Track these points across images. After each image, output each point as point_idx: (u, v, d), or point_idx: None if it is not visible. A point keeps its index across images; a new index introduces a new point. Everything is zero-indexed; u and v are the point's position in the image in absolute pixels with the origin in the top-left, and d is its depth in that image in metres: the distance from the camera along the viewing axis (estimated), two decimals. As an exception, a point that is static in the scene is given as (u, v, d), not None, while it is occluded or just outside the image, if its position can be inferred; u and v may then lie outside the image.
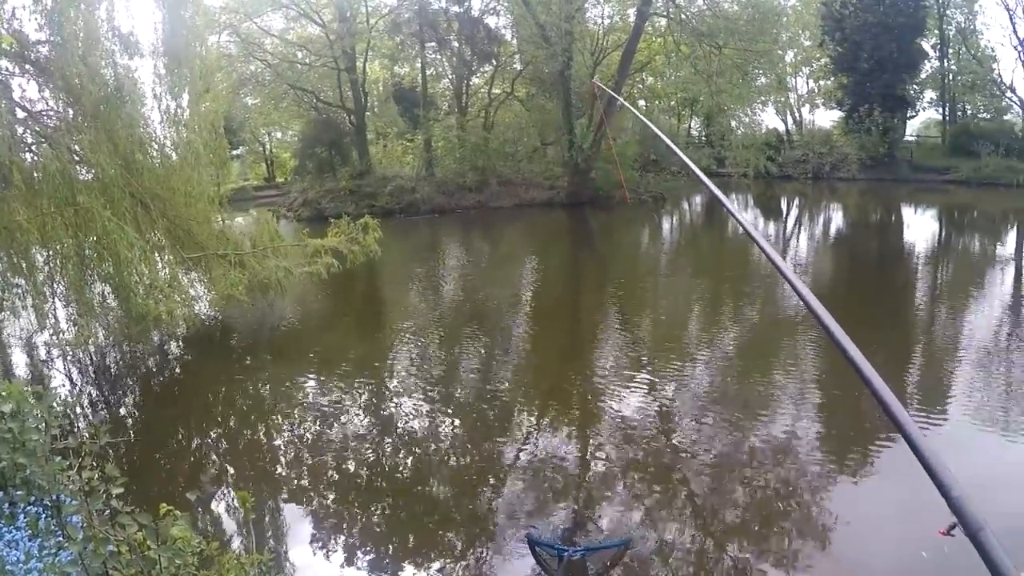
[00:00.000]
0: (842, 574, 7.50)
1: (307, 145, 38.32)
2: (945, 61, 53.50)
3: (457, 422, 11.51)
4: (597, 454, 10.17)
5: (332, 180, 35.16)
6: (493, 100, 42.48)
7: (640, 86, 44.98)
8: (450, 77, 43.59)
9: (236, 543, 7.76)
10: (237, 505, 8.23)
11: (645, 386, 12.96)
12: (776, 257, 2.39)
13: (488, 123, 41.43)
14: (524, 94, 43.00)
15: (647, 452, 10.27)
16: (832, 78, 52.86)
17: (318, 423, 11.37)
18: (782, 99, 56.82)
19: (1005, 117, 52.29)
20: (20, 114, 12.39)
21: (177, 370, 14.70)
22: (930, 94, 55.33)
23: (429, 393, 12.69)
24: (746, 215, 42.14)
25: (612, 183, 37.98)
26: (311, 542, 8.12)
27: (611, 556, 7.41)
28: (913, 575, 7.34)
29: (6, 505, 4.24)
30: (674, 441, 10.69)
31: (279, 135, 46.65)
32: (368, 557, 7.79)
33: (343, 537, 8.21)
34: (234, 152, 43.54)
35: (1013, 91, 51.53)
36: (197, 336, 15.66)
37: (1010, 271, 23.84)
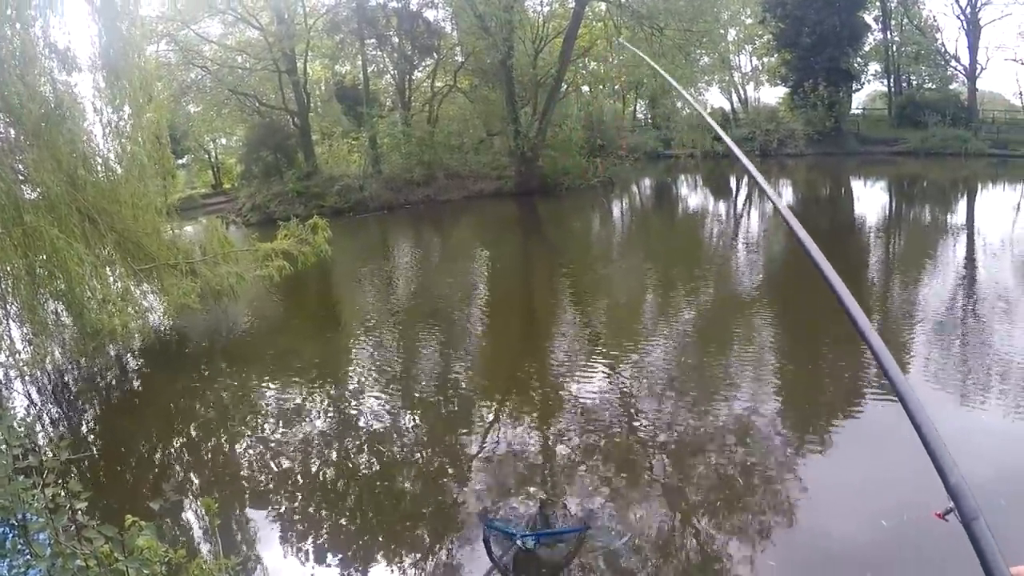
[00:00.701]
0: (806, 547, 7.76)
1: (252, 149, 38.07)
2: (888, 33, 54.52)
3: (418, 417, 11.65)
4: (558, 440, 10.32)
5: (279, 183, 34.97)
6: (436, 94, 42.47)
7: (583, 71, 45.05)
8: (392, 73, 43.48)
9: (205, 550, 7.80)
10: (203, 512, 8.34)
11: (603, 371, 13.18)
12: (811, 245, 2.42)
13: (432, 117, 41.44)
14: (467, 86, 43.08)
15: (608, 436, 10.45)
16: (775, 55, 53.62)
17: (280, 426, 11.44)
18: (726, 78, 57.45)
19: (951, 87, 53.25)
20: (-40, 137, 12.37)
21: (136, 383, 14.70)
22: (875, 66, 56.30)
23: (388, 390, 12.81)
24: (698, 195, 42.72)
25: (559, 170, 38.22)
26: (280, 544, 8.20)
27: (569, 544, 7.49)
28: (874, 544, 7.58)
29: (-29, 530, 4.27)
30: (635, 424, 10.89)
31: (224, 141, 46.20)
32: (337, 555, 7.89)
33: (311, 538, 8.30)
34: (180, 161, 43.08)
35: (957, 60, 52.60)
36: (153, 347, 15.70)
37: (961, 240, 24.39)
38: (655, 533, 7.93)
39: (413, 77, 42.60)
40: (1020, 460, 9.09)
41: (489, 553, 7.23)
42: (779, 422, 10.75)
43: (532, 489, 8.90)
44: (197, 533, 8.50)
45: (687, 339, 15.07)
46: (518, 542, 7.13)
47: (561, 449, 10.09)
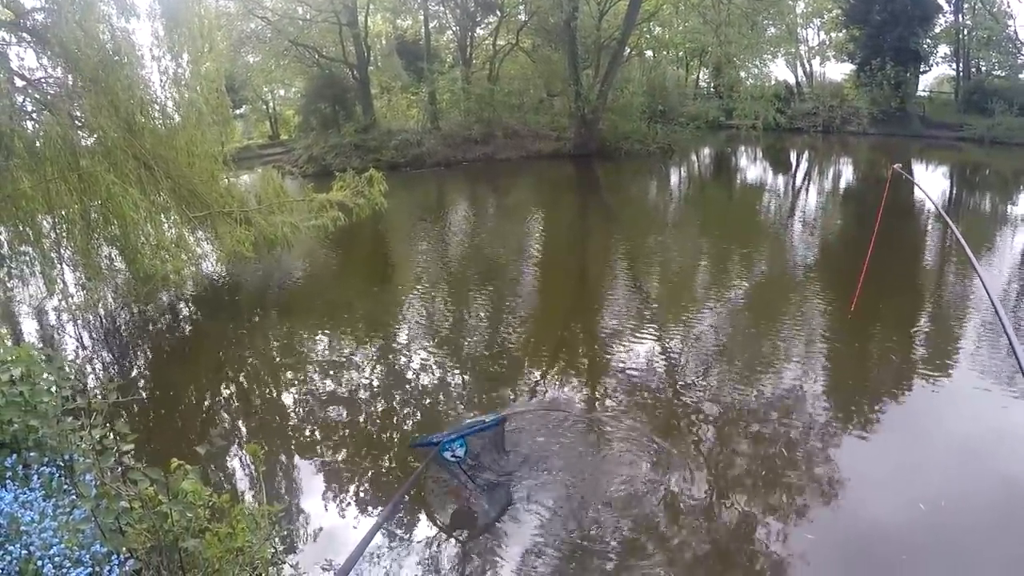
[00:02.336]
0: (843, 524, 7.61)
1: (310, 101, 38.10)
2: (960, 16, 52.64)
3: (466, 375, 11.63)
4: (603, 405, 10.26)
5: (337, 136, 34.96)
6: (498, 52, 42.01)
7: (648, 36, 44.39)
8: (454, 29, 43.23)
9: (248, 496, 7.87)
10: (248, 459, 8.33)
11: (652, 338, 13.05)
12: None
13: (493, 75, 41.06)
14: (529, 45, 42.61)
15: (654, 404, 10.36)
16: (844, 30, 52.10)
17: (327, 378, 11.47)
18: (792, 51, 56.09)
19: (1020, 75, 51.62)
20: (19, 83, 12.40)
21: (187, 329, 14.78)
22: (944, 49, 54.53)
23: (437, 346, 12.80)
24: (757, 167, 42.11)
25: (619, 134, 37.76)
26: (322, 494, 8.22)
27: (491, 438, 7.93)
28: (911, 526, 7.44)
29: (20, 467, 4.28)
30: (680, 391, 10.80)
31: (282, 92, 46.24)
32: (379, 508, 7.86)
33: (353, 488, 8.33)
34: (237, 111, 43.20)
35: None
36: (205, 295, 15.86)
37: (1021, 231, 23.76)
38: (696, 502, 7.83)
39: (475, 34, 42.35)
40: None
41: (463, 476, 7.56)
42: (824, 400, 10.63)
43: (575, 453, 8.83)
44: (241, 479, 8.55)
45: (737, 311, 14.89)
46: (446, 453, 7.40)
47: (604, 412, 9.99)
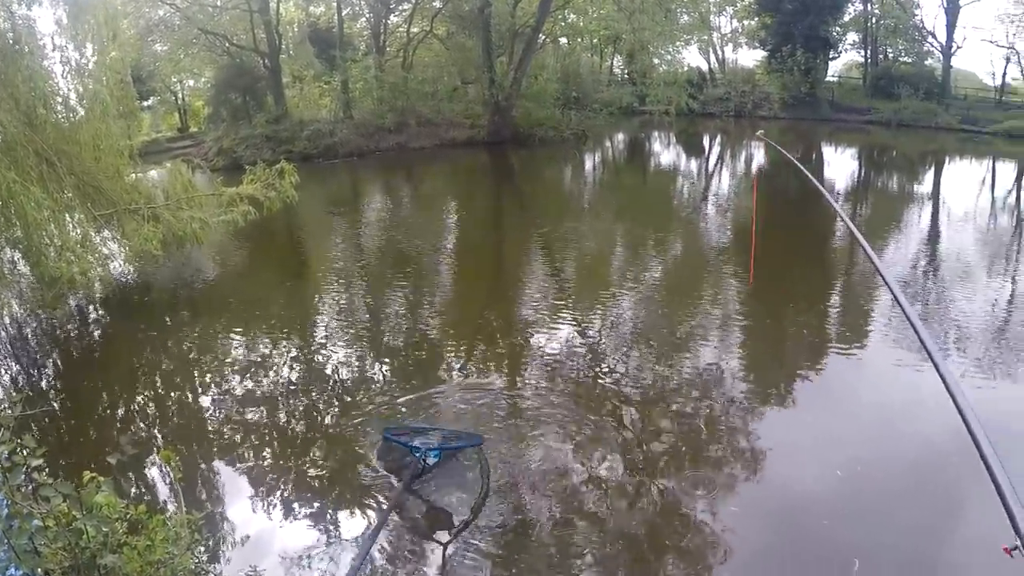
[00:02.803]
0: (766, 497, 7.90)
1: (220, 91, 37.38)
2: (868, 4, 55.00)
3: (386, 367, 11.61)
4: (525, 392, 10.38)
5: (247, 127, 34.37)
6: (412, 39, 41.81)
7: (562, 23, 44.62)
8: (367, 16, 42.84)
9: (170, 506, 7.63)
10: (165, 467, 8.16)
11: (570, 322, 13.28)
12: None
13: (407, 63, 40.82)
14: (444, 32, 42.49)
15: (575, 388, 10.56)
16: (756, 18, 53.68)
17: (245, 378, 11.27)
18: (705, 38, 57.33)
19: (926, 62, 53.80)
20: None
21: (96, 334, 14.35)
22: (852, 37, 56.87)
23: (355, 339, 12.78)
24: (670, 152, 42.70)
25: (533, 121, 37.96)
26: (247, 498, 8.08)
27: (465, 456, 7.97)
28: (829, 493, 7.82)
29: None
30: (600, 375, 11.01)
31: (191, 83, 45.20)
32: (306, 507, 7.81)
33: (279, 490, 8.20)
34: (145, 103, 42.22)
35: (934, 37, 53.09)
36: (115, 297, 15.31)
37: (927, 209, 24.61)
38: (620, 482, 8.01)
39: (389, 21, 41.96)
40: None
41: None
42: (741, 375, 11.06)
43: (499, 440, 8.88)
44: (159, 488, 8.33)
45: (653, 293, 15.24)
46: (420, 454, 7.44)
47: (527, 400, 10.12)
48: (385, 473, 8.07)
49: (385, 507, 7.37)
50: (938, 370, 1.85)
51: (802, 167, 4.55)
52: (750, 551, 7.03)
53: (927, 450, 8.71)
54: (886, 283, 1.89)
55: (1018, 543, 1.58)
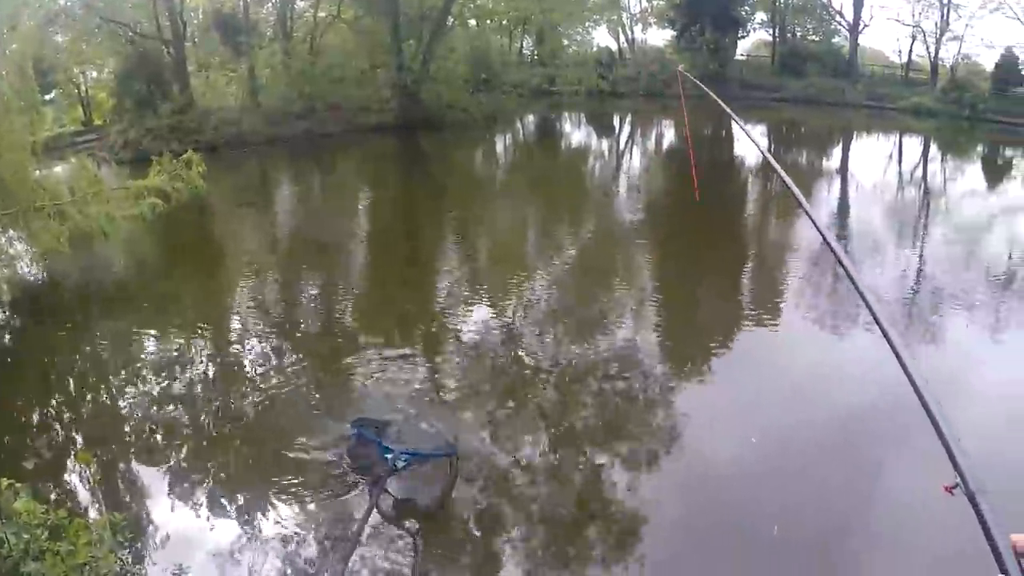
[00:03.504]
0: (685, 465, 8.45)
1: (124, 82, 36.43)
2: (776, -17, 55.83)
3: (303, 358, 11.76)
4: (444, 373, 10.84)
5: (153, 118, 33.70)
6: (319, 23, 41.45)
7: (471, 5, 44.70)
8: (273, 1, 42.37)
9: (92, 509, 7.74)
10: (84, 469, 8.26)
11: (487, 305, 13.67)
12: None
13: (314, 48, 40.48)
14: (351, 16, 42.14)
15: (494, 369, 11.04)
16: (665, -2, 54.03)
17: (162, 375, 11.22)
18: (614, 18, 57.83)
19: (833, 40, 55.36)
20: None
21: (7, 338, 14.27)
22: (761, 15, 57.85)
23: (272, 331, 12.91)
24: (581, 132, 43.19)
25: (443, 104, 38.03)
26: (170, 496, 8.15)
27: (437, 467, 8.02)
28: (744, 458, 8.53)
29: None
30: (519, 355, 11.49)
31: (95, 74, 43.99)
32: (229, 501, 8.00)
33: (202, 486, 8.31)
34: (47, 96, 41.11)
35: (841, 15, 54.59)
36: (24, 299, 15.17)
37: (836, 183, 25.57)
38: (540, 460, 8.37)
39: (295, 6, 41.55)
40: (886, 386, 9.97)
41: (362, 468, 7.75)
42: (658, 350, 11.49)
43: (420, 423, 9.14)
44: (82, 492, 8.37)
45: (569, 272, 15.69)
46: (391, 456, 7.49)
47: (447, 381, 10.59)
48: (316, 461, 8.34)
49: (363, 511, 7.42)
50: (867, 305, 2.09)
51: (726, 107, 4.88)
52: (670, 521, 7.49)
53: (839, 413, 9.34)
54: (821, 234, 2.06)
55: (958, 480, 1.60)
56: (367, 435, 7.98)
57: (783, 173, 3.03)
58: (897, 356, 2.01)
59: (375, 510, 7.42)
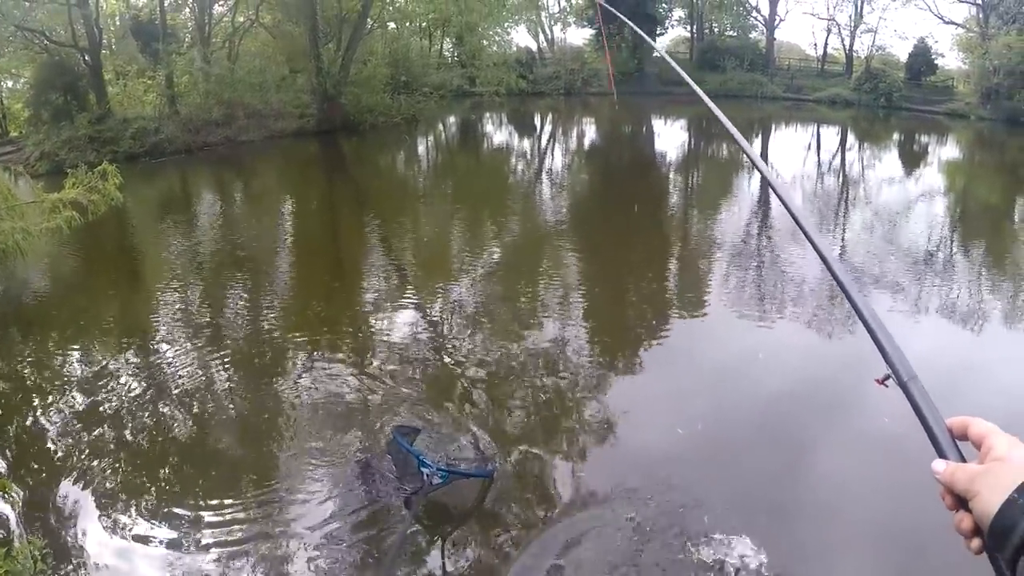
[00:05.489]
0: (620, 458, 8.94)
1: (39, 92, 36.00)
2: (694, -19, 57.31)
3: (232, 370, 11.89)
4: (373, 380, 11.01)
5: (70, 128, 33.39)
6: (238, 29, 41.55)
7: (390, 8, 44.93)
8: (191, 6, 42.17)
9: (16, 537, 7.57)
10: (6, 496, 8.08)
11: (414, 309, 14.07)
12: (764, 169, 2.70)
13: (233, 53, 40.64)
14: (270, 21, 42.22)
15: (422, 372, 11.32)
16: (582, -3, 54.97)
17: (87, 395, 10.98)
18: (534, 18, 58.61)
19: (750, 35, 56.91)
20: None
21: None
22: (679, 12, 59.37)
23: (199, 345, 12.79)
24: (503, 132, 43.65)
25: (363, 108, 38.31)
26: (99, 519, 8.03)
27: (472, 486, 8.04)
28: (673, 446, 9.01)
29: None
30: (447, 358, 11.82)
31: (10, 84, 43.24)
32: (163, 522, 7.95)
33: (133, 507, 8.21)
34: (-41, 108, 40.46)
35: (758, 11, 56.20)
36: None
37: (756, 176, 26.51)
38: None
39: (213, 11, 41.35)
40: (812, 368, 10.69)
41: (399, 478, 7.86)
42: (587, 347, 12.03)
43: (352, 430, 9.48)
44: (7, 519, 8.08)
45: (495, 274, 16.19)
46: (428, 472, 7.48)
47: (376, 386, 10.78)
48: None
49: (399, 529, 7.46)
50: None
51: (675, 65, 5.19)
52: (608, 519, 7.74)
53: (763, 401, 10.01)
54: (791, 213, 2.13)
55: (889, 372, 1.56)
56: (405, 445, 7.95)
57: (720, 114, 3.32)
58: (820, 255, 2.06)
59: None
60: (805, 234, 2.22)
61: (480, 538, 7.58)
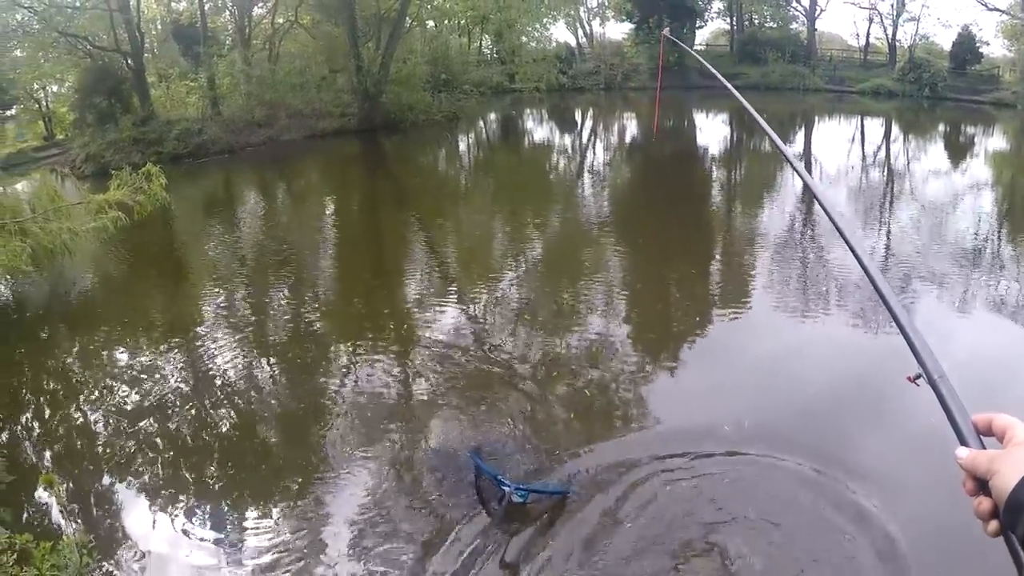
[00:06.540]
0: (659, 441, 8.74)
1: (84, 96, 36.33)
2: (732, -28, 56.55)
3: (275, 365, 11.90)
4: (417, 377, 10.93)
5: (114, 131, 33.65)
6: (277, 30, 41.69)
7: (428, 6, 44.89)
8: (231, 9, 42.37)
9: (66, 531, 7.64)
10: (55, 491, 8.11)
11: (455, 307, 13.85)
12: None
13: (273, 55, 40.76)
14: (309, 22, 42.30)
15: (466, 368, 11.17)
16: (621, -9, 54.51)
17: (132, 389, 11.07)
18: (572, 13, 58.31)
19: (791, 26, 56.12)
20: None
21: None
22: (718, 5, 58.85)
23: (243, 342, 12.82)
24: (543, 128, 43.45)
25: (403, 106, 38.25)
26: (144, 514, 8.04)
27: (549, 503, 7.85)
28: (719, 439, 8.69)
29: None
30: (492, 354, 11.61)
31: (55, 88, 43.69)
32: (204, 515, 7.98)
33: (177, 502, 8.22)
34: (8, 112, 41.02)
35: (798, 1, 55.39)
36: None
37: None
38: (524, 451, 8.70)
39: (253, 13, 41.57)
40: (857, 363, 10.40)
41: (480, 498, 7.67)
42: (631, 345, 11.76)
43: (397, 427, 9.41)
44: (46, 514, 8.19)
45: (537, 271, 16.03)
46: (507, 493, 7.37)
47: (421, 383, 10.70)
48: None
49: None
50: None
51: (720, 76, 5.19)
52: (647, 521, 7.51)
53: (807, 397, 9.76)
54: (827, 214, 2.17)
55: (920, 371, 1.62)
56: (484, 467, 7.88)
57: (761, 120, 3.29)
58: (854, 252, 2.17)
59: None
60: (840, 232, 2.30)
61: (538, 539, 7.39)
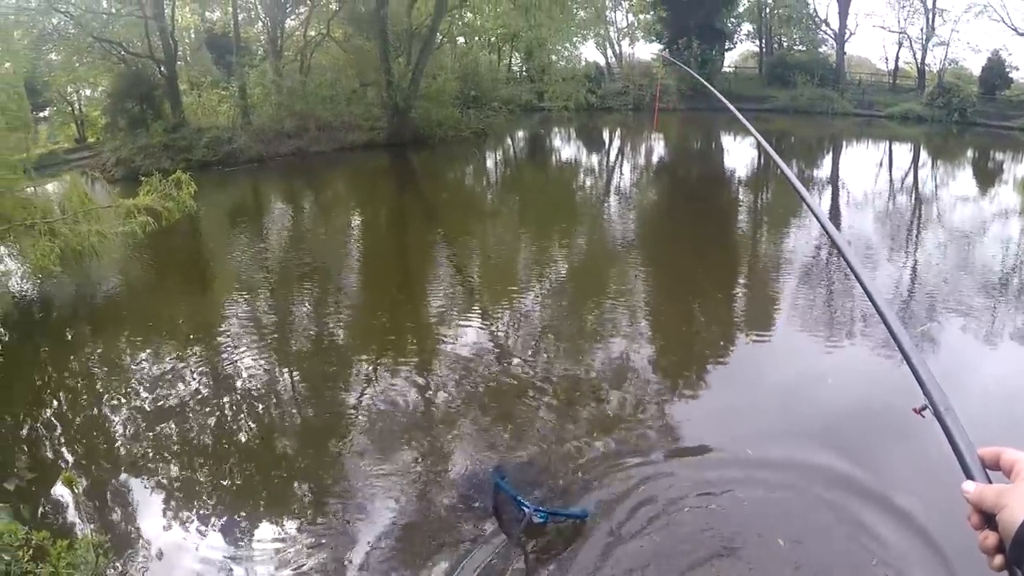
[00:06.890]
0: (681, 464, 8.58)
1: (117, 100, 36.61)
2: (762, -5, 56.39)
3: (296, 375, 11.80)
4: (439, 392, 10.79)
5: (145, 136, 33.83)
6: (309, 42, 41.80)
7: (459, 23, 45.09)
8: (264, 20, 42.60)
9: (81, 530, 7.64)
10: (73, 489, 8.18)
11: (480, 324, 13.73)
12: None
13: (305, 67, 40.85)
14: (341, 35, 42.50)
15: (488, 385, 11.03)
16: (651, 11, 54.83)
17: (154, 392, 11.10)
18: (602, 33, 58.43)
19: (820, 50, 55.89)
20: None
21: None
22: (747, 27, 58.69)
23: (265, 350, 12.76)
24: (571, 147, 43.41)
25: (432, 121, 38.29)
26: (160, 516, 8.06)
27: (567, 524, 7.74)
28: (741, 463, 8.58)
29: None
30: (514, 372, 11.46)
31: (88, 92, 44.06)
32: (221, 522, 7.95)
33: (193, 505, 8.23)
34: (41, 114, 41.34)
35: (828, 24, 55.28)
36: (14, 316, 15.10)
37: (827, 191, 25.86)
38: (548, 467, 8.58)
39: (285, 25, 41.80)
40: (882, 391, 10.21)
41: (498, 518, 7.60)
42: (655, 365, 11.65)
43: (416, 442, 9.29)
44: (70, 512, 8.23)
45: (562, 290, 15.84)
46: (527, 514, 7.32)
47: (442, 399, 10.57)
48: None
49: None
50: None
51: (714, 90, 5.11)
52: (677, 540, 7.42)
53: (828, 426, 9.58)
54: (830, 236, 2.17)
55: (926, 403, 1.64)
56: (506, 488, 7.78)
57: (772, 152, 3.24)
58: (861, 284, 2.18)
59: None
60: (847, 263, 2.36)
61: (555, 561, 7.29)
